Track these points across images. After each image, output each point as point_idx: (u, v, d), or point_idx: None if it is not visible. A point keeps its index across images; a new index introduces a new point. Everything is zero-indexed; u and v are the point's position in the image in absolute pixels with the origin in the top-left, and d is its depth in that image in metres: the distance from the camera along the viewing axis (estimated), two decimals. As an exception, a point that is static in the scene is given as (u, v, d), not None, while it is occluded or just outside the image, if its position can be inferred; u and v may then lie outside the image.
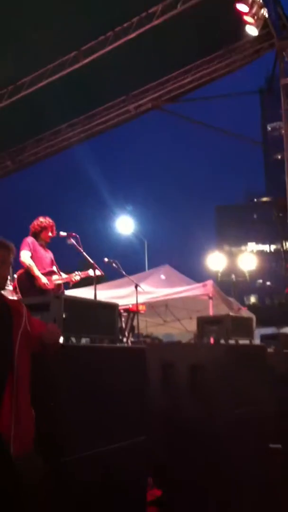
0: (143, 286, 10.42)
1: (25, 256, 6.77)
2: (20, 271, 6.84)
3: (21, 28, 9.20)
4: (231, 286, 38.03)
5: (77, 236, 7.15)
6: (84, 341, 4.34)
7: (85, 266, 7.63)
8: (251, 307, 32.35)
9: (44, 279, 6.77)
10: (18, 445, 2.83)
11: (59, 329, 3.32)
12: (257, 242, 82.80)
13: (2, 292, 3.16)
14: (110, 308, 4.29)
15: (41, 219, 7.06)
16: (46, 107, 11.51)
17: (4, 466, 2.78)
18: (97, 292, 7.68)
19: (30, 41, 9.61)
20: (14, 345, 2.94)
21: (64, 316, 3.61)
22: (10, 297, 4.17)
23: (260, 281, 77.17)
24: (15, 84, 10.44)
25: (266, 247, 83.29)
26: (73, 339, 3.88)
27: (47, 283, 6.78)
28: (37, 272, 6.74)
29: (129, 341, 8.72)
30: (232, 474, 4.88)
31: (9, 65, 10.07)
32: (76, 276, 7.02)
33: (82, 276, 7.11)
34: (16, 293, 6.69)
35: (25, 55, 9.99)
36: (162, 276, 11.80)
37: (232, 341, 5.54)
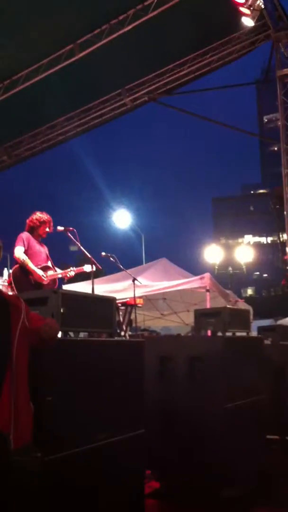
0: (141, 280, 10.44)
1: (19, 252, 6.77)
2: (15, 266, 6.84)
3: (17, 22, 9.16)
4: (228, 278, 38.10)
5: (75, 230, 7.15)
6: (82, 335, 4.35)
7: (83, 260, 7.64)
8: (248, 299, 32.45)
9: (40, 272, 6.78)
10: (17, 439, 2.85)
11: (57, 324, 3.32)
12: (254, 234, 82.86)
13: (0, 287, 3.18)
14: (108, 302, 4.31)
15: (39, 214, 7.06)
16: (42, 101, 11.48)
17: (3, 460, 2.80)
18: (95, 286, 7.70)
19: (26, 35, 9.57)
20: (13, 341, 2.94)
21: (62, 310, 3.63)
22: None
23: (257, 273, 77.31)
24: (11, 79, 10.40)
25: (263, 239, 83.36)
26: (71, 334, 3.89)
27: (43, 276, 6.79)
28: (32, 266, 6.75)
29: (127, 335, 8.74)
30: (230, 465, 4.92)
31: (5, 59, 10.02)
32: (71, 271, 7.02)
33: (77, 271, 7.11)
34: (12, 289, 6.70)
35: (21, 49, 9.95)
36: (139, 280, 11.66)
37: (229, 334, 5.57)
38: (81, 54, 10.07)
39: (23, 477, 3.09)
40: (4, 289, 7.66)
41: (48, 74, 10.25)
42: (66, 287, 7.73)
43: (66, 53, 10.15)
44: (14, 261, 6.86)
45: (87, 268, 7.21)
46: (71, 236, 7.14)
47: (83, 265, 7.25)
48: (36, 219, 7.01)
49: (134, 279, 9.25)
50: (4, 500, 2.80)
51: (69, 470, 3.39)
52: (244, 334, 5.98)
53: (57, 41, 10.05)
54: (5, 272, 9.92)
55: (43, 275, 6.78)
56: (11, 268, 7.05)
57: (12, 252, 6.87)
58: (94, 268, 7.29)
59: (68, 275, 7.02)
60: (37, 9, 9.03)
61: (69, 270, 7.03)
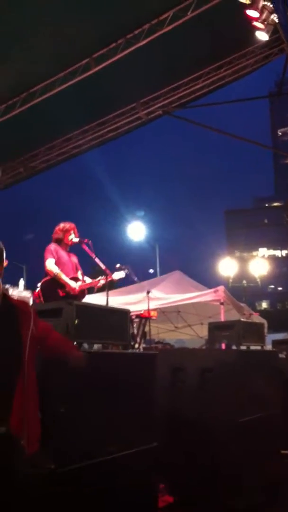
0: (155, 292, 10.45)
1: (51, 264, 6.82)
2: (45, 279, 6.87)
3: (33, 35, 9.27)
4: (242, 291, 37.89)
5: (90, 242, 7.19)
6: (96, 347, 4.36)
7: (97, 271, 7.66)
8: (263, 313, 32.19)
9: (73, 284, 6.83)
10: (28, 446, 2.85)
11: (83, 356, 3.39)
12: (268, 247, 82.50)
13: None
14: (122, 314, 4.31)
15: (61, 224, 7.16)
16: (58, 114, 11.56)
17: (15, 463, 2.78)
18: (109, 298, 7.71)
19: (42, 48, 9.67)
20: (24, 347, 2.92)
21: (76, 322, 3.64)
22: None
23: (272, 286, 76.81)
24: (28, 92, 10.51)
25: (277, 252, 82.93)
26: (85, 345, 3.90)
27: (76, 288, 6.84)
28: (65, 278, 6.80)
29: (140, 347, 8.73)
30: (243, 478, 4.87)
31: (21, 72, 10.14)
32: (101, 280, 7.07)
33: (105, 280, 7.14)
34: (40, 301, 6.76)
35: (37, 63, 10.06)
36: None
37: (243, 347, 5.54)
38: (96, 68, 10.15)
39: (35, 488, 3.09)
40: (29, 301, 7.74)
41: (64, 87, 10.35)
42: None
43: (82, 67, 10.25)
44: (44, 273, 6.90)
45: (116, 275, 7.23)
46: (86, 248, 7.18)
47: (98, 276, 7.28)
48: (59, 229, 7.10)
49: (148, 292, 9.25)
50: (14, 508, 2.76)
51: (81, 483, 3.38)
52: (258, 347, 5.95)
53: (73, 55, 10.14)
54: (21, 283, 9.96)
55: (75, 287, 6.83)
56: (23, 279, 7.09)
57: (40, 264, 6.94)
58: (123, 275, 7.33)
59: (98, 285, 7.09)
60: (54, 23, 9.14)
61: (98, 279, 7.08)
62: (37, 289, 6.96)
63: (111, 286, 7.94)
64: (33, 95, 10.52)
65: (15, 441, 2.79)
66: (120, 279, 7.52)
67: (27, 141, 12.60)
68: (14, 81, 10.28)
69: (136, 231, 28.96)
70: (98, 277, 7.18)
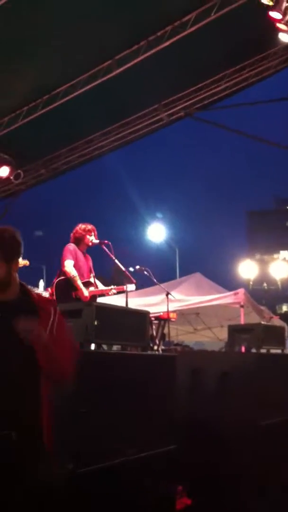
0: (174, 294, 10.42)
1: (69, 266, 6.84)
2: (61, 278, 6.91)
3: (56, 38, 9.33)
4: (262, 294, 37.68)
5: (110, 243, 7.21)
6: (115, 348, 4.38)
7: (116, 272, 7.69)
8: (284, 316, 31.92)
9: (86, 292, 6.85)
10: (47, 443, 2.82)
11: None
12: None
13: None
14: (141, 316, 4.32)
15: (82, 224, 7.17)
16: (79, 116, 11.63)
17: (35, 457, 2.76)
18: (129, 299, 7.72)
19: (65, 50, 9.74)
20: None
21: (95, 323, 3.65)
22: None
23: (293, 289, 76.10)
24: (50, 94, 10.59)
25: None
26: (105, 346, 3.92)
27: (87, 295, 6.87)
28: (80, 283, 6.82)
29: (159, 349, 8.72)
30: (262, 481, 4.84)
31: (43, 75, 10.22)
32: (113, 290, 7.08)
33: (117, 290, 7.16)
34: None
35: (59, 65, 10.13)
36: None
37: (263, 350, 5.51)
38: (119, 70, 10.18)
39: (52, 487, 3.10)
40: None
41: (86, 89, 10.41)
42: (100, 299, 7.78)
43: (104, 69, 10.29)
44: (59, 272, 6.94)
45: (128, 288, 7.23)
46: (106, 249, 7.20)
47: (117, 278, 7.31)
48: (80, 229, 7.12)
49: (168, 293, 9.23)
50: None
51: (99, 483, 3.39)
52: (279, 351, 5.90)
53: (95, 57, 10.19)
54: (41, 283, 10.04)
55: (86, 295, 6.85)
56: (43, 281, 7.16)
57: (56, 264, 6.98)
58: (134, 288, 7.33)
59: (110, 293, 7.11)
60: (76, 25, 9.19)
61: (110, 288, 7.09)
62: (51, 288, 6.99)
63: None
64: (55, 97, 10.59)
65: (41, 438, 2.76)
66: (132, 291, 7.51)
67: (49, 143, 12.68)
68: (37, 83, 10.37)
69: (156, 232, 28.98)
70: (117, 279, 7.20)
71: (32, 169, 13.42)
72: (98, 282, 7.14)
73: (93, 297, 7.00)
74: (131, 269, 8.27)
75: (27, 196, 15.04)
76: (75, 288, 6.83)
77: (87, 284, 6.97)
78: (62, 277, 6.90)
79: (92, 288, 6.99)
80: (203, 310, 13.63)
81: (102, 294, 7.13)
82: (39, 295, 3.11)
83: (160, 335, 9.03)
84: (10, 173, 11.96)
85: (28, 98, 10.69)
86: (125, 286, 7.19)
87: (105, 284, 7.44)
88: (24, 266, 7.57)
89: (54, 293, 6.83)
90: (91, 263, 7.23)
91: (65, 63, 10.11)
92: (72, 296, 6.81)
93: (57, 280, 6.93)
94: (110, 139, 13.12)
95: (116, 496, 3.52)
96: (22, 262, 7.48)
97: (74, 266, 6.88)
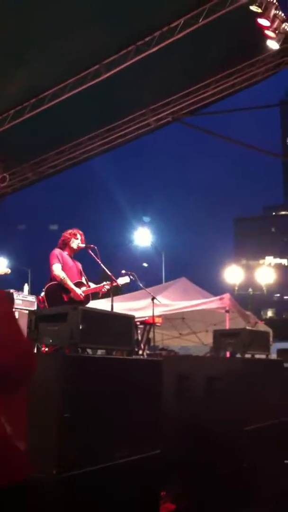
0: (160, 299, 10.42)
1: (58, 269, 6.84)
2: (51, 283, 6.89)
3: (44, 41, 9.33)
4: (248, 299, 37.79)
5: (96, 247, 7.21)
6: (100, 352, 4.36)
7: (103, 277, 7.68)
8: (268, 321, 32.09)
9: (78, 291, 6.85)
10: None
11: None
12: (275, 256, 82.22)
13: None
14: (127, 320, 4.31)
15: (69, 230, 7.21)
16: (67, 120, 11.62)
17: None
18: (114, 304, 7.71)
19: (53, 54, 9.73)
20: None
21: (81, 327, 3.64)
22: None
23: (278, 295, 76.48)
24: (37, 97, 10.57)
25: (284, 261, 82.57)
26: (89, 350, 3.90)
27: (81, 294, 6.86)
28: (70, 284, 6.82)
29: (145, 353, 8.71)
30: (250, 486, 4.84)
31: (31, 78, 10.20)
32: (106, 286, 7.09)
33: (111, 285, 7.17)
34: (45, 306, 6.78)
35: (47, 68, 10.12)
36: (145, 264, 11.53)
37: (248, 355, 5.52)
38: (107, 74, 10.20)
39: (35, 494, 3.07)
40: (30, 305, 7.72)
41: (74, 93, 10.40)
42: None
43: (92, 73, 10.30)
44: (49, 278, 6.92)
45: (121, 280, 7.26)
46: (92, 253, 7.20)
47: (103, 282, 7.30)
48: (66, 235, 7.13)
49: (153, 298, 9.23)
50: None
51: (83, 489, 3.37)
52: (263, 356, 5.92)
53: (83, 60, 10.20)
54: (26, 287, 9.99)
55: (81, 294, 6.85)
56: (28, 284, 7.13)
57: (42, 267, 6.96)
58: (128, 280, 7.35)
59: (103, 290, 7.11)
60: (65, 29, 9.20)
61: (102, 285, 7.10)
62: (42, 294, 6.98)
63: (116, 292, 7.94)
64: (43, 100, 10.58)
65: None
66: (125, 285, 7.55)
67: (36, 146, 12.66)
68: (24, 86, 10.35)
69: (143, 237, 29.02)
70: (103, 283, 7.19)
71: (19, 172, 13.38)
72: (90, 283, 7.13)
73: (87, 297, 6.99)
74: (123, 271, 8.28)
75: (13, 200, 14.97)
76: (67, 290, 6.81)
77: (78, 285, 6.96)
78: (52, 283, 6.88)
79: (84, 288, 6.98)
80: (188, 315, 13.64)
81: (96, 292, 7.12)
82: None
83: (145, 340, 9.03)
84: (-4, 176, 11.92)
85: (16, 101, 10.66)
86: (118, 280, 7.20)
87: None
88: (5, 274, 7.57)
89: (45, 299, 6.81)
90: (80, 267, 7.22)
91: (53, 67, 10.11)
92: (64, 299, 6.79)
93: (47, 286, 6.91)
94: (97, 143, 13.12)
95: (99, 501, 3.50)
96: (3, 270, 7.47)
97: (63, 269, 6.87)
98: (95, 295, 7.33)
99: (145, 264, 32.98)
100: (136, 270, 8.77)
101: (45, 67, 10.07)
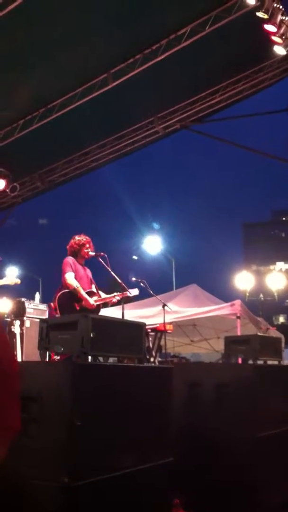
0: (171, 306, 10.41)
1: (71, 278, 6.83)
2: (62, 291, 6.89)
3: (52, 51, 9.41)
4: (259, 305, 37.63)
5: (105, 255, 7.21)
6: (111, 360, 4.36)
7: (113, 286, 7.69)
8: (280, 327, 31.87)
9: (91, 300, 6.84)
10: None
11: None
12: (285, 261, 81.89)
13: None
14: (137, 328, 4.31)
15: (77, 237, 7.17)
16: (76, 129, 11.70)
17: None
18: (125, 311, 7.71)
19: (61, 64, 9.82)
20: None
21: (92, 335, 3.64)
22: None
23: (289, 300, 76.13)
24: (46, 107, 10.66)
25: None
26: (101, 358, 3.90)
27: (93, 304, 6.86)
28: (83, 293, 6.81)
29: (156, 361, 8.69)
30: (260, 495, 4.81)
31: (40, 87, 10.29)
32: (116, 296, 7.09)
33: (121, 296, 7.17)
34: (57, 313, 6.78)
35: (56, 78, 10.21)
36: (135, 257, 11.55)
37: (260, 362, 5.49)
38: (114, 83, 10.26)
39: (47, 503, 3.07)
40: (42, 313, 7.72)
41: (82, 102, 10.48)
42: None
43: (100, 82, 10.37)
44: (61, 286, 6.92)
45: (132, 292, 7.26)
46: (102, 261, 7.20)
47: (113, 290, 7.30)
48: (75, 243, 7.11)
49: (164, 305, 9.22)
50: None
51: (94, 497, 3.36)
52: (275, 362, 5.89)
53: (91, 70, 10.28)
54: (37, 296, 10.02)
55: (93, 304, 6.85)
56: (39, 293, 7.15)
57: (52, 275, 6.97)
58: (137, 292, 7.35)
59: (113, 301, 7.10)
60: (72, 38, 9.28)
61: (113, 295, 7.09)
62: (54, 302, 6.98)
63: (127, 299, 7.95)
64: (51, 110, 10.66)
65: None
66: (136, 295, 7.55)
67: (45, 155, 12.75)
68: (33, 96, 10.44)
69: (152, 244, 29.02)
70: (113, 291, 7.18)
71: (28, 181, 13.47)
72: (100, 292, 7.13)
73: (98, 306, 6.99)
74: (134, 278, 8.27)
75: (23, 209, 15.05)
76: (79, 299, 6.81)
77: (90, 294, 6.96)
78: (64, 291, 6.88)
79: (95, 298, 6.98)
80: (199, 322, 13.61)
81: (106, 302, 7.12)
82: None
83: (156, 347, 9.01)
84: (6, 186, 12.00)
85: (25, 111, 10.75)
86: (128, 292, 7.19)
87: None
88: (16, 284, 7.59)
89: (57, 307, 6.81)
90: (90, 275, 7.23)
91: (61, 76, 10.19)
92: (76, 308, 6.79)
93: (59, 294, 6.91)
94: (106, 151, 13.19)
95: (111, 509, 3.49)
96: (13, 280, 7.49)
97: (75, 278, 6.87)
98: (105, 303, 7.33)
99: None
100: (146, 277, 8.77)
101: (53, 77, 10.16)
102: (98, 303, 6.95)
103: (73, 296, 6.82)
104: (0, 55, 9.08)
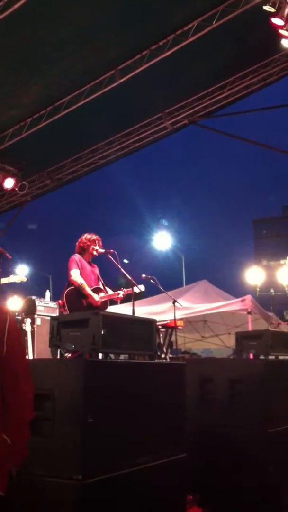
0: (181, 302, 10.40)
1: (76, 275, 6.89)
2: (70, 289, 6.94)
3: (59, 49, 9.40)
4: (270, 300, 37.52)
5: (115, 252, 7.23)
6: (122, 357, 4.36)
7: (120, 284, 7.71)
8: (291, 322, 31.70)
9: (96, 297, 6.89)
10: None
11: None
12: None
13: None
14: (148, 324, 4.31)
15: (87, 234, 7.24)
16: (83, 126, 11.69)
17: None
18: (135, 308, 7.73)
19: (68, 61, 9.81)
20: None
21: (102, 332, 3.64)
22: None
23: (300, 295, 75.82)
24: (54, 105, 10.66)
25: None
26: (112, 355, 3.90)
27: (98, 300, 6.90)
28: (88, 290, 6.87)
29: (167, 357, 8.69)
30: (274, 490, 4.80)
31: (48, 86, 10.28)
32: (121, 293, 7.11)
33: (126, 292, 7.21)
34: (65, 310, 6.84)
35: (63, 76, 10.19)
36: (126, 261, 11.54)
37: (272, 357, 5.48)
38: (122, 80, 10.24)
39: (61, 500, 3.08)
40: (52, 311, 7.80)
41: (90, 99, 10.47)
42: (107, 309, 7.78)
43: (107, 79, 10.35)
44: (67, 283, 6.97)
45: (136, 289, 7.28)
46: (112, 258, 7.22)
47: (125, 286, 7.33)
48: (84, 240, 7.18)
49: (174, 301, 9.22)
50: None
51: (108, 494, 3.37)
52: (287, 357, 5.87)
53: (98, 67, 10.26)
54: (47, 294, 10.06)
55: (97, 300, 6.88)
56: (49, 291, 7.18)
57: (63, 273, 7.01)
58: (143, 289, 7.38)
59: (119, 297, 7.14)
60: (79, 36, 9.26)
61: (118, 292, 7.12)
62: (62, 299, 7.03)
63: (137, 296, 7.97)
64: (59, 108, 10.66)
65: None
66: (142, 292, 7.56)
67: (54, 153, 12.74)
68: (41, 95, 10.43)
69: (162, 241, 28.98)
70: (121, 289, 7.22)
71: (37, 180, 13.47)
72: (108, 289, 7.17)
73: (105, 303, 7.02)
74: (144, 275, 8.28)
75: (32, 207, 15.05)
76: (85, 296, 6.86)
77: (96, 291, 7.00)
78: (71, 287, 6.93)
79: (102, 294, 7.02)
80: (210, 318, 13.60)
81: (112, 299, 7.16)
82: None
83: (167, 343, 9.01)
84: (15, 184, 12.01)
85: (33, 109, 10.75)
86: (134, 288, 7.22)
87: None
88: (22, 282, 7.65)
89: (65, 304, 6.87)
90: (98, 272, 7.26)
91: (69, 74, 10.17)
92: (84, 304, 6.83)
93: (66, 291, 6.96)
94: (114, 148, 13.16)
95: (125, 506, 3.50)
96: (20, 278, 7.57)
97: (81, 275, 6.93)
98: (113, 301, 7.36)
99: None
100: (156, 273, 8.76)
101: (60, 75, 10.15)
102: (103, 299, 6.98)
103: (79, 292, 6.86)
104: (8, 53, 9.08)
